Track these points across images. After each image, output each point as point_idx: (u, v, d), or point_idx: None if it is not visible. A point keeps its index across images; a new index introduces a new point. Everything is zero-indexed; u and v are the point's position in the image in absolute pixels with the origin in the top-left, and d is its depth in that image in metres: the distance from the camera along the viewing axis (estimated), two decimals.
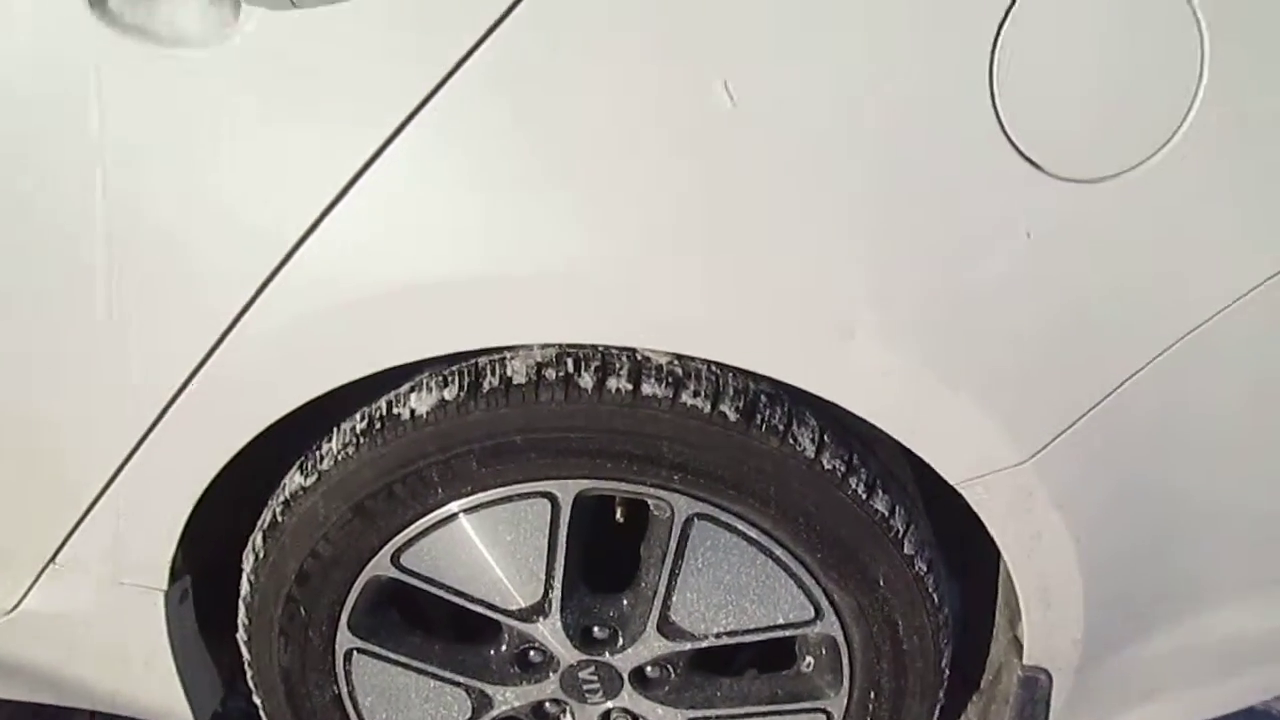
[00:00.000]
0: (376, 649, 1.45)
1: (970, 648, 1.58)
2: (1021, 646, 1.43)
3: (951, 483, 1.26)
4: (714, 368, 1.28)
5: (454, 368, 1.30)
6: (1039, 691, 1.44)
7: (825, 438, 1.29)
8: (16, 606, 1.47)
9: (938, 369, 1.18)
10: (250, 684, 1.53)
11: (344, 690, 1.48)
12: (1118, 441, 1.25)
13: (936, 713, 1.49)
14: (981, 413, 1.21)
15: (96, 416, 1.31)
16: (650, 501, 1.35)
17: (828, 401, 1.32)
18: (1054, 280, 1.17)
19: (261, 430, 1.27)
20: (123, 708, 1.60)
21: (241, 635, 1.48)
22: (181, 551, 1.43)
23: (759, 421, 1.26)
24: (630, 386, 1.24)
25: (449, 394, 1.27)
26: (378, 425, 1.30)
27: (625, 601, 1.42)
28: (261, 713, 1.55)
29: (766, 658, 1.59)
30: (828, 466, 1.28)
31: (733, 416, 1.25)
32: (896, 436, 1.22)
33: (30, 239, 1.20)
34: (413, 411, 1.28)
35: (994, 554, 1.51)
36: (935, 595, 1.38)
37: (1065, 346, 1.20)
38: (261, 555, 1.40)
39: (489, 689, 1.48)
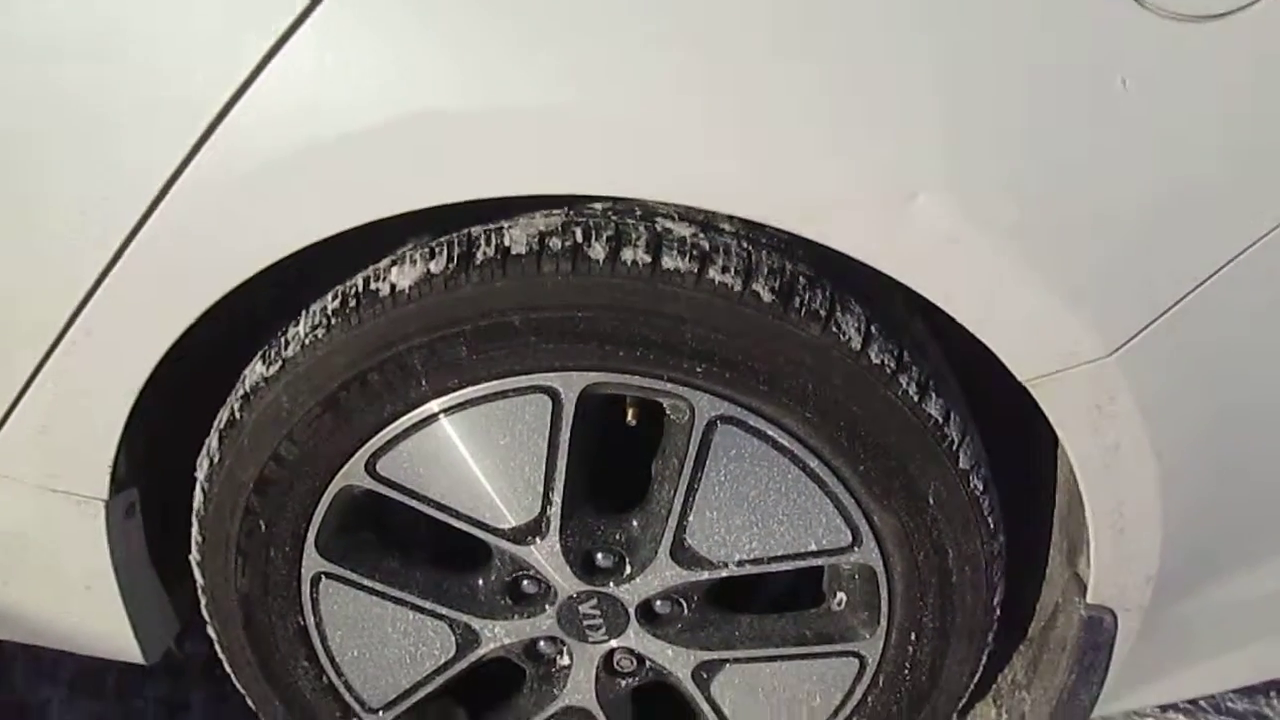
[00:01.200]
0: (348, 574, 1.27)
1: (1014, 593, 1.39)
2: (1084, 584, 1.25)
3: (1022, 379, 1.08)
4: (745, 244, 1.09)
5: (442, 238, 1.11)
6: (1103, 635, 1.26)
7: (873, 328, 1.11)
8: None
9: (1014, 241, 1.00)
10: (205, 613, 1.34)
11: (310, 620, 1.30)
12: (1214, 337, 1.08)
13: (984, 660, 1.31)
14: (1062, 295, 1.03)
15: (19, 297, 1.13)
16: (666, 403, 1.17)
17: (872, 294, 1.15)
18: (1151, 139, 1.00)
19: (206, 309, 1.09)
20: (62, 640, 1.42)
21: (194, 555, 1.29)
22: (128, 460, 1.25)
23: (798, 305, 1.08)
24: (649, 259, 1.06)
25: (435, 266, 1.09)
26: (352, 303, 1.11)
27: (634, 523, 1.24)
28: (218, 646, 1.37)
29: (791, 595, 1.41)
30: (875, 361, 1.10)
31: (767, 297, 1.07)
32: (961, 319, 1.04)
33: None
34: (393, 286, 1.10)
35: (1043, 486, 1.35)
36: (990, 520, 1.20)
37: (1160, 219, 1.03)
38: (217, 460, 1.21)
39: (476, 623, 1.30)
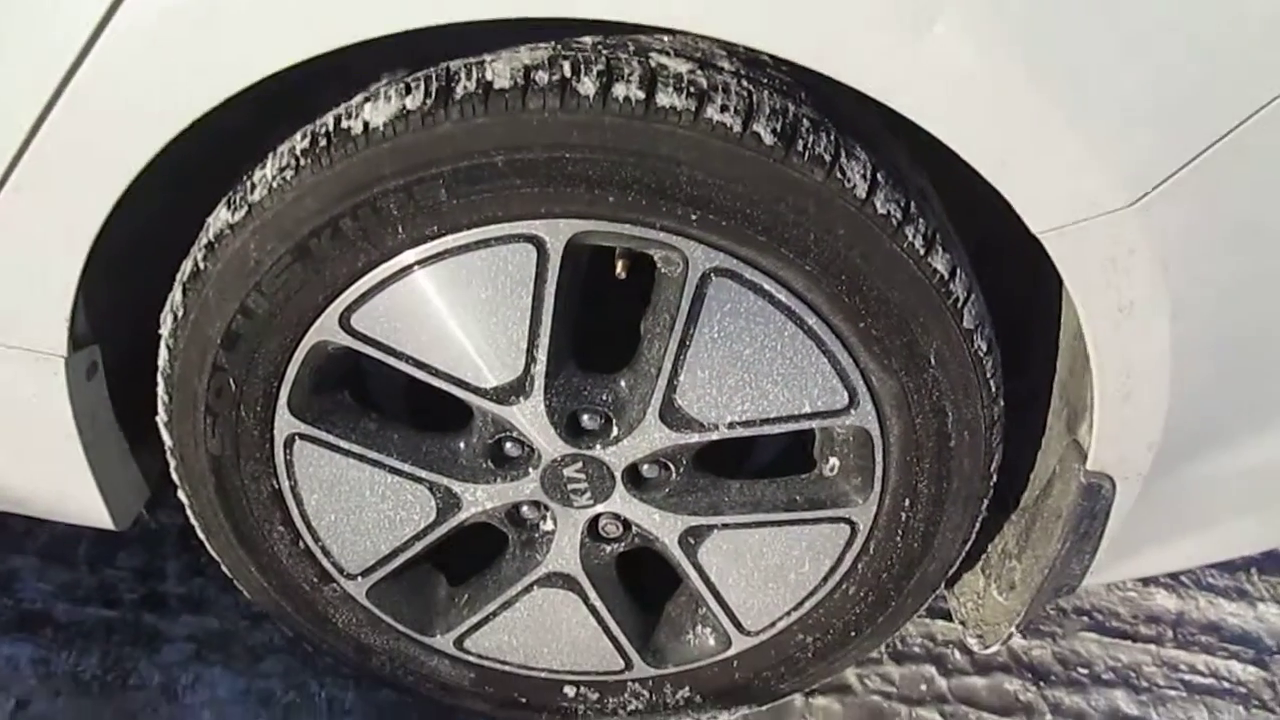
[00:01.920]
0: (323, 435, 1.22)
1: (1007, 462, 1.36)
2: (1084, 452, 1.22)
3: (1035, 231, 1.02)
4: (745, 83, 1.02)
5: (419, 73, 1.03)
6: (1100, 503, 1.23)
7: (879, 176, 1.04)
8: None
9: (1035, 78, 0.93)
10: (174, 477, 1.29)
11: (285, 484, 1.25)
12: (1241, 190, 1.02)
13: (977, 527, 1.29)
14: (1085, 138, 0.96)
15: None
16: (658, 255, 1.10)
17: (877, 144, 1.08)
18: None
19: (157, 151, 1.00)
20: (29, 506, 1.37)
21: (161, 416, 1.23)
22: (88, 316, 1.18)
23: (801, 148, 1.01)
24: (642, 95, 0.98)
25: (412, 102, 1.01)
26: (323, 142, 1.03)
27: (622, 383, 1.18)
28: (190, 513, 1.32)
29: (781, 462, 1.38)
30: (881, 211, 1.04)
31: (769, 139, 1.00)
32: (975, 164, 0.98)
33: None
34: (366, 124, 1.02)
35: (1042, 353, 1.31)
36: (992, 383, 1.16)
37: (1191, 60, 0.95)
38: (181, 314, 1.14)
39: (457, 486, 1.25)
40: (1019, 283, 1.27)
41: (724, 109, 0.99)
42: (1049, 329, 1.28)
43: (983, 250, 1.21)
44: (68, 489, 1.31)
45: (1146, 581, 1.87)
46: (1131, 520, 1.27)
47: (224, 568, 1.37)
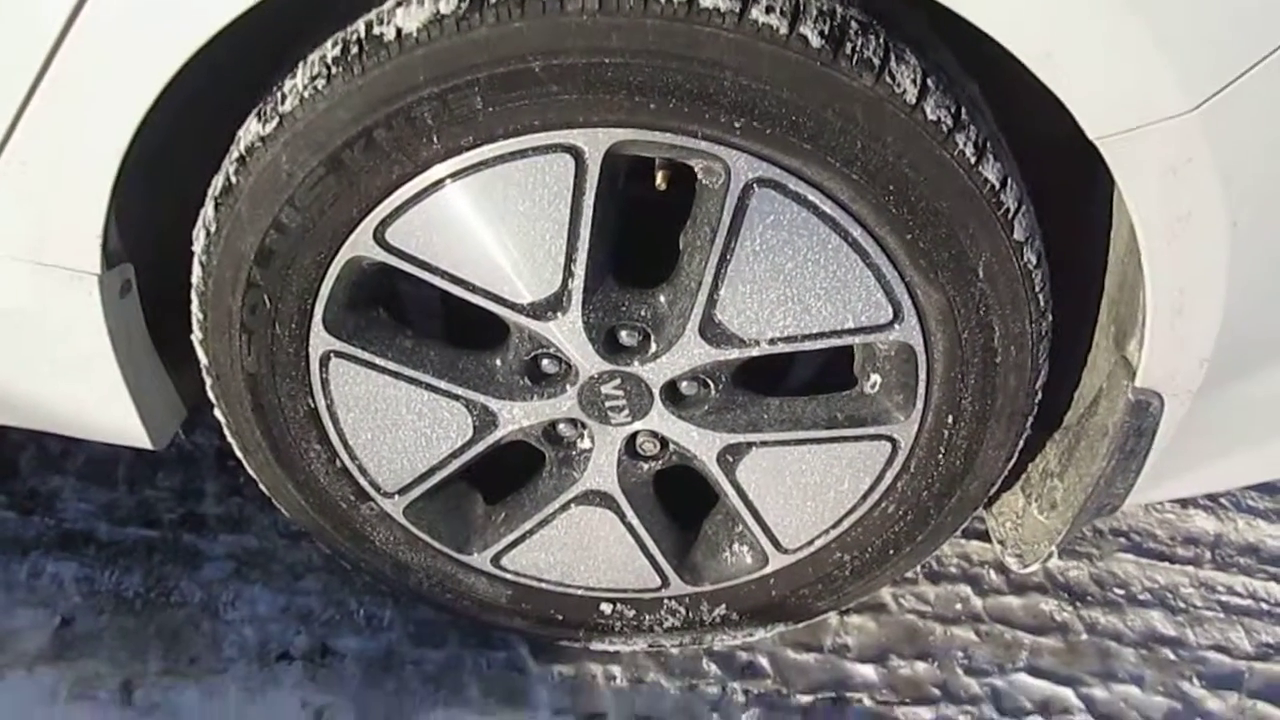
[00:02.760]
0: (359, 352, 1.21)
1: (1050, 380, 1.33)
2: (1132, 368, 1.19)
3: (1092, 136, 0.98)
4: None
5: None
6: (1148, 420, 1.21)
7: (929, 81, 1.00)
8: None
9: None
10: (210, 396, 1.29)
11: (321, 402, 1.24)
12: None
13: (1020, 445, 1.27)
14: (1146, 38, 0.92)
15: None
16: (699, 166, 1.07)
17: (926, 48, 1.04)
18: None
19: (187, 59, 0.98)
20: (66, 425, 1.37)
21: (196, 334, 1.23)
22: (120, 233, 1.17)
23: (849, 51, 0.97)
24: None
25: (446, 6, 0.97)
26: (354, 50, 1.00)
27: (661, 298, 1.16)
28: (226, 431, 1.32)
29: (821, 379, 1.36)
30: (931, 117, 1.00)
31: (815, 42, 0.96)
32: (1029, 63, 0.94)
33: None
34: (399, 30, 0.99)
35: (1088, 270, 1.27)
36: (1041, 297, 1.13)
37: None
38: (214, 230, 1.13)
39: (494, 404, 1.24)
40: (1067, 198, 1.23)
41: (769, 10, 0.95)
42: (1097, 244, 1.24)
43: (1026, 167, 1.17)
44: (104, 408, 1.31)
45: (1185, 504, 1.86)
46: (1179, 438, 1.25)
47: (261, 486, 1.37)
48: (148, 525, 1.65)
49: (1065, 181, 1.20)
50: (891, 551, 1.35)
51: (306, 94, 1.03)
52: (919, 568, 1.67)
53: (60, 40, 0.99)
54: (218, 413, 1.30)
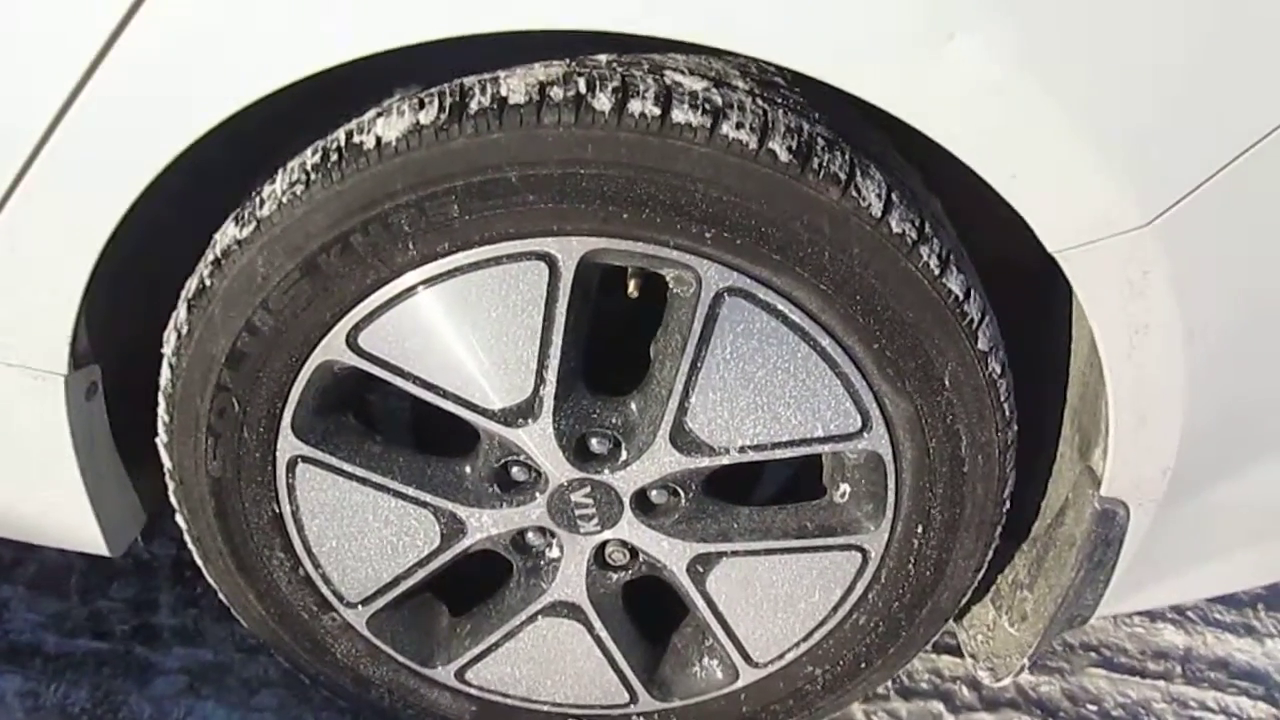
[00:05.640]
0: (327, 458, 1.20)
1: (1017, 495, 1.34)
2: (1097, 477, 1.20)
3: (1051, 249, 1.01)
4: (760, 101, 1.01)
5: (433, 89, 1.03)
6: (1115, 530, 1.21)
7: (894, 196, 1.03)
8: None
9: (1053, 92, 0.93)
10: (173, 500, 1.27)
11: (286, 508, 1.22)
12: (1257, 210, 1.02)
13: (990, 555, 1.27)
14: (1101, 155, 0.96)
15: None
16: (670, 275, 1.09)
17: (891, 166, 1.08)
18: None
19: (168, 163, 0.99)
20: (21, 530, 1.34)
21: (162, 437, 1.21)
22: (90, 334, 1.16)
23: (816, 166, 1.00)
24: (658, 112, 0.98)
25: (426, 117, 1.00)
26: (334, 157, 1.03)
27: (632, 405, 1.17)
28: (187, 537, 1.29)
29: (790, 490, 1.36)
30: (896, 230, 1.03)
31: (784, 157, 0.99)
32: (991, 180, 0.97)
33: None
34: (379, 139, 1.01)
35: (1051, 381, 1.30)
36: (1006, 406, 1.15)
37: (1208, 78, 0.95)
38: (185, 332, 1.13)
39: (462, 511, 1.23)
40: (1027, 312, 1.26)
41: (739, 126, 0.99)
42: (1058, 357, 1.27)
43: (988, 279, 1.20)
44: (63, 513, 1.29)
45: (1153, 618, 1.85)
46: (1145, 548, 1.25)
47: (221, 595, 1.34)
48: (98, 637, 1.60)
49: (1025, 296, 1.24)
50: (863, 665, 1.34)
51: (285, 199, 1.04)
52: (890, 683, 1.64)
53: (40, 145, 1.00)
54: (179, 518, 1.28)
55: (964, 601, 1.31)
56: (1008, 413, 1.15)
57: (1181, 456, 1.17)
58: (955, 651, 1.67)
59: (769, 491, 1.38)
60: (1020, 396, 1.19)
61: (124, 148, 0.99)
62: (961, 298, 1.07)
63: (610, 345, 1.17)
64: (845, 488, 1.24)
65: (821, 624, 1.30)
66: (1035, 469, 1.33)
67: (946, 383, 1.11)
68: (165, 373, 1.17)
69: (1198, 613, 1.87)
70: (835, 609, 1.28)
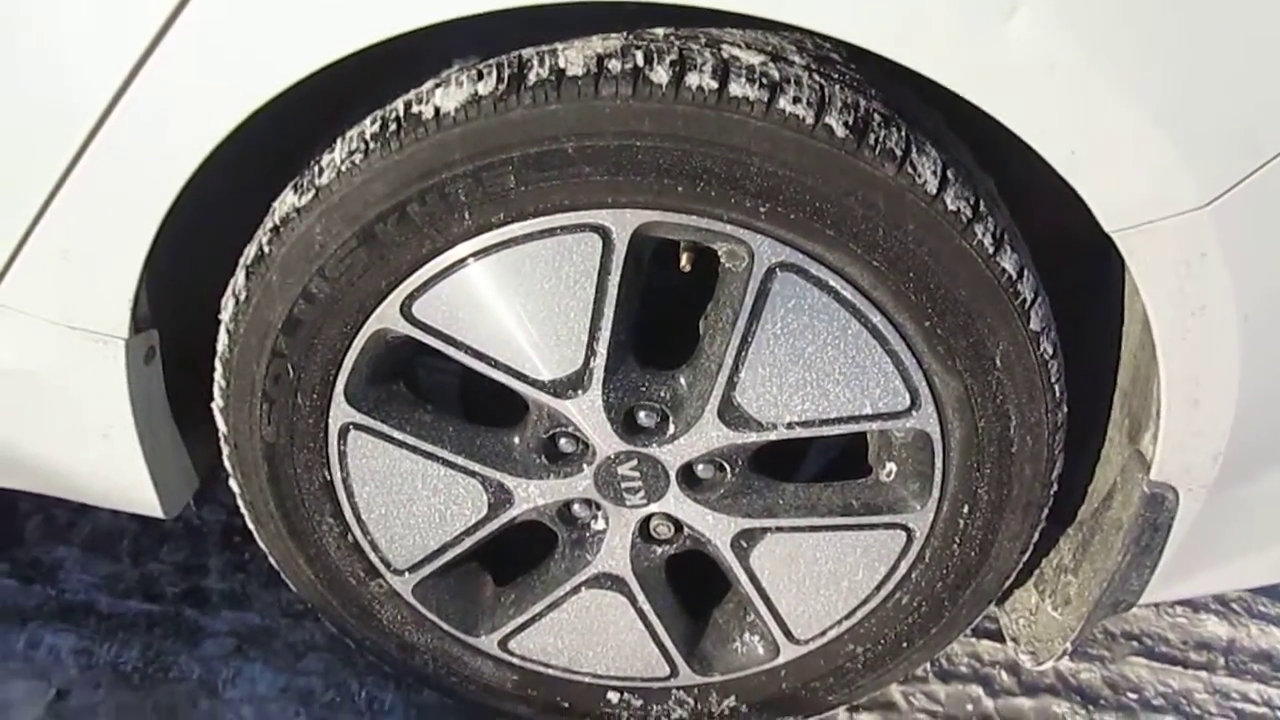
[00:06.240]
0: (378, 425, 1.21)
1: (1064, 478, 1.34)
2: (1146, 461, 1.19)
3: (1109, 229, 1.01)
4: (817, 76, 1.01)
5: (491, 60, 1.03)
6: (1163, 514, 1.21)
7: (949, 173, 1.03)
8: None
9: (1115, 71, 0.92)
10: (227, 465, 1.29)
11: (337, 474, 1.24)
12: None
13: (1035, 537, 1.26)
14: (1162, 135, 0.95)
15: (27, 119, 1.05)
16: (722, 250, 1.10)
17: (945, 143, 1.07)
18: None
19: (230, 131, 1.01)
20: (77, 491, 1.37)
21: (217, 402, 1.23)
22: (150, 299, 1.19)
23: (872, 141, 1.00)
24: (715, 85, 0.98)
25: (484, 88, 1.01)
26: (393, 127, 1.04)
27: (681, 380, 1.18)
28: (240, 501, 1.32)
29: (837, 467, 1.36)
30: (951, 207, 1.03)
31: (840, 132, 0.99)
32: (1051, 159, 0.97)
33: None
34: (437, 110, 1.02)
35: (1101, 365, 1.29)
36: (1056, 387, 1.14)
37: (1270, 60, 0.94)
38: (243, 298, 1.15)
39: (510, 481, 1.24)
40: (1079, 294, 1.25)
41: (796, 100, 0.99)
42: (1108, 340, 1.26)
43: (1041, 262, 1.19)
44: (119, 474, 1.31)
45: (1196, 608, 1.84)
46: (1194, 534, 1.24)
47: (271, 559, 1.37)
48: (149, 599, 1.63)
49: (1078, 277, 1.23)
50: (905, 645, 1.34)
51: (344, 168, 1.06)
52: (930, 665, 1.65)
53: (107, 112, 1.02)
54: (232, 482, 1.30)
55: (1008, 584, 1.31)
56: (1058, 394, 1.15)
57: (1233, 442, 1.16)
58: (995, 636, 1.67)
59: (815, 468, 1.38)
60: (1069, 379, 1.19)
61: (187, 117, 1.01)
62: (1015, 277, 1.07)
63: (660, 319, 1.18)
64: (891, 466, 1.24)
65: (864, 602, 1.30)
66: (1083, 452, 1.33)
67: (997, 362, 1.10)
68: (222, 338, 1.19)
69: (1241, 604, 1.85)
70: (878, 588, 1.29)
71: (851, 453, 1.32)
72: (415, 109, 1.03)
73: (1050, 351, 1.12)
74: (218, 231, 1.18)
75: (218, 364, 1.21)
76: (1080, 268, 1.23)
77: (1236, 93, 0.95)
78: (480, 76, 1.02)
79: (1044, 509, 1.23)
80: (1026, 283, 1.08)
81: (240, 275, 1.15)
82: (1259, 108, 0.96)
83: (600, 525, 1.29)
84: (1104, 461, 1.32)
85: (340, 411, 1.20)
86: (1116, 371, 1.27)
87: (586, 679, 1.41)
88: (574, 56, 1.00)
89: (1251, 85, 0.95)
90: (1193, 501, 1.21)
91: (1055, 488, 1.23)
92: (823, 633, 1.33)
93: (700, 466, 1.23)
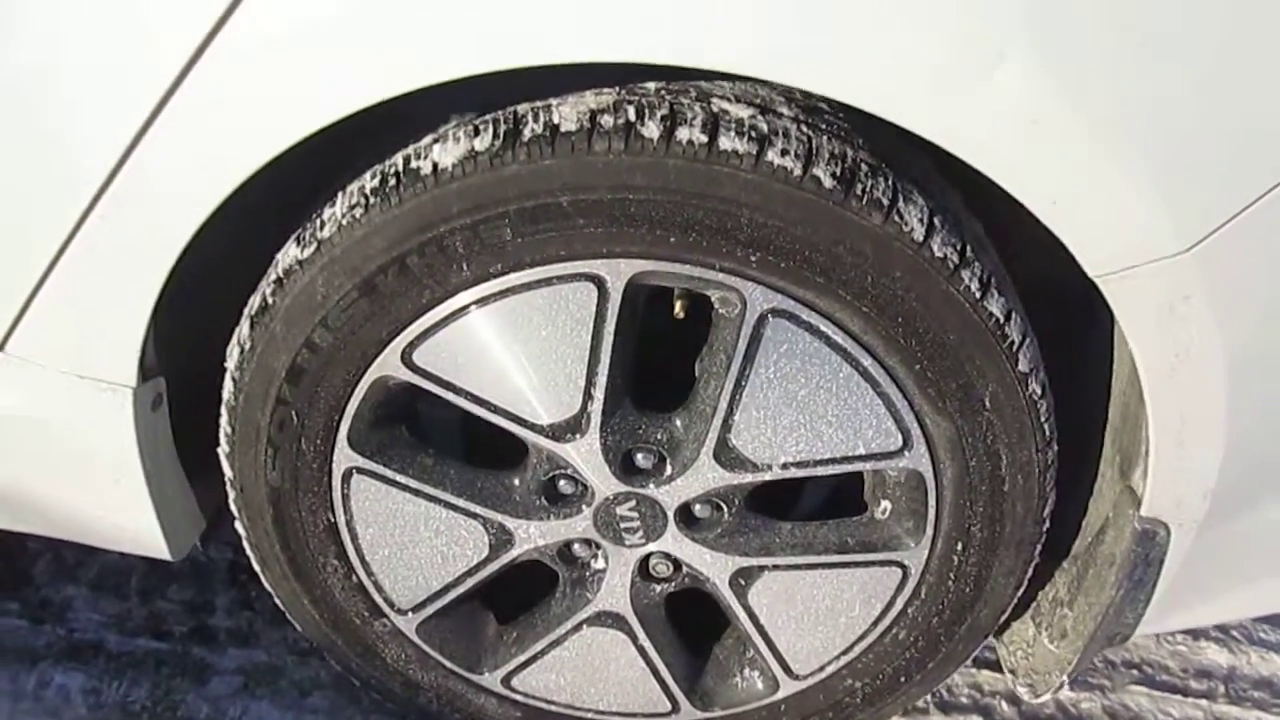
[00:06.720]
0: (381, 469, 1.24)
1: (1057, 509, 1.35)
2: (1137, 497, 1.21)
3: (1092, 275, 1.03)
4: (805, 128, 1.04)
5: (488, 116, 1.06)
6: (1155, 549, 1.22)
7: (936, 220, 1.06)
8: None
9: (1097, 122, 0.95)
10: (233, 508, 1.31)
11: (341, 518, 1.27)
12: None
13: (1029, 573, 1.28)
14: (1143, 182, 0.97)
15: (38, 174, 1.08)
16: (715, 296, 1.12)
17: (932, 189, 1.10)
18: (1250, 25, 0.93)
19: (238, 185, 1.04)
20: (86, 534, 1.40)
21: (224, 448, 1.26)
22: (156, 349, 1.21)
23: (860, 191, 1.02)
24: (705, 139, 1.01)
25: (480, 143, 1.04)
26: (392, 182, 1.06)
27: (677, 422, 1.20)
28: (246, 543, 1.34)
29: (832, 505, 1.38)
30: (938, 254, 1.05)
31: (828, 182, 1.02)
32: (1034, 209, 0.99)
33: None
34: (435, 165, 1.05)
35: (1093, 401, 1.31)
36: (1046, 427, 1.16)
37: (1249, 108, 0.97)
38: (248, 347, 1.17)
39: (510, 523, 1.26)
40: (1070, 331, 1.28)
41: (784, 153, 1.01)
42: (1100, 378, 1.28)
43: (1031, 299, 1.22)
44: (127, 519, 1.34)
45: (1196, 635, 1.85)
46: (1186, 568, 1.26)
47: (277, 600, 1.39)
48: (157, 637, 1.66)
49: (1068, 314, 1.25)
50: (903, 679, 1.35)
51: (345, 221, 1.08)
52: (929, 697, 1.66)
53: (115, 171, 1.05)
54: (238, 525, 1.33)
55: (1004, 618, 1.33)
56: (1048, 433, 1.17)
57: (1223, 479, 1.17)
58: (995, 666, 1.68)
59: (811, 505, 1.40)
60: (1063, 413, 1.21)
61: (192, 176, 1.04)
62: (1002, 320, 1.09)
63: (656, 362, 1.20)
64: (886, 504, 1.26)
65: (861, 638, 1.32)
66: (1077, 486, 1.34)
67: (987, 403, 1.12)
68: (228, 386, 1.21)
69: (1242, 631, 1.86)
70: (875, 623, 1.30)
71: (848, 489, 1.34)
72: (414, 164, 1.06)
73: (1039, 392, 1.14)
74: (221, 281, 1.20)
75: (223, 411, 1.23)
76: (1071, 305, 1.25)
77: (1215, 142, 0.98)
78: (477, 132, 1.05)
79: (1037, 545, 1.25)
80: (1014, 325, 1.10)
81: (245, 325, 1.17)
82: (1237, 155, 0.98)
83: (600, 564, 1.31)
84: (1097, 496, 1.33)
85: (344, 456, 1.22)
86: (1108, 407, 1.29)
87: (589, 715, 1.43)
88: (568, 112, 1.03)
89: (1230, 135, 0.97)
90: (1184, 537, 1.22)
91: (1047, 524, 1.24)
92: (821, 668, 1.35)
93: (698, 506, 1.25)
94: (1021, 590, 1.29)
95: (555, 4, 0.92)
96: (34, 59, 1.03)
